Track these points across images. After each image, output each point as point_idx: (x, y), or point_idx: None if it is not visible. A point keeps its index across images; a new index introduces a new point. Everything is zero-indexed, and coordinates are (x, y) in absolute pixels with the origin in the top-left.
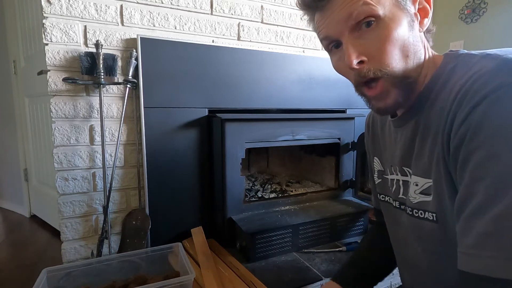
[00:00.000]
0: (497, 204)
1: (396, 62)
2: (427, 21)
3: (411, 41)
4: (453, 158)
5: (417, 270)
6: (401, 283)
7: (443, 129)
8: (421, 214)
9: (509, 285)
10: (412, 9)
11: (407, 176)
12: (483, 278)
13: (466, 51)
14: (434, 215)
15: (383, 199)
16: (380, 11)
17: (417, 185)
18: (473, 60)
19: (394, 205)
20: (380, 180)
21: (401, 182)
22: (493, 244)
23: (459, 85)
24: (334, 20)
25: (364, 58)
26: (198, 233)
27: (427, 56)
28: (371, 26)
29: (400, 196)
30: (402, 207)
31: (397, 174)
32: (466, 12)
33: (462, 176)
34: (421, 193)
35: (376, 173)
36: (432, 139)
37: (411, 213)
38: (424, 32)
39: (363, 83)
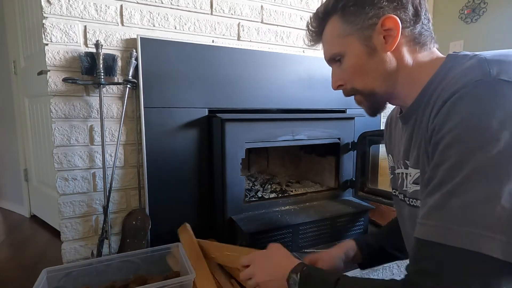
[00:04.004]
0: (447, 184)
1: (360, 85)
2: (394, 41)
3: (371, 66)
4: (427, 149)
5: None
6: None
7: (426, 123)
8: (414, 202)
9: (444, 248)
10: (374, 39)
11: (407, 168)
12: (426, 242)
13: (465, 52)
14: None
15: (394, 193)
16: (339, 51)
17: (411, 175)
18: (463, 61)
19: (400, 198)
20: (392, 176)
21: (404, 175)
22: (437, 215)
23: (445, 84)
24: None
25: (341, 83)
26: (184, 231)
27: (408, 64)
28: (339, 61)
29: (404, 188)
30: (401, 197)
31: (401, 168)
32: (466, 12)
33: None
34: (413, 182)
35: (390, 169)
36: (422, 132)
37: (409, 202)
38: (411, 41)
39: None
